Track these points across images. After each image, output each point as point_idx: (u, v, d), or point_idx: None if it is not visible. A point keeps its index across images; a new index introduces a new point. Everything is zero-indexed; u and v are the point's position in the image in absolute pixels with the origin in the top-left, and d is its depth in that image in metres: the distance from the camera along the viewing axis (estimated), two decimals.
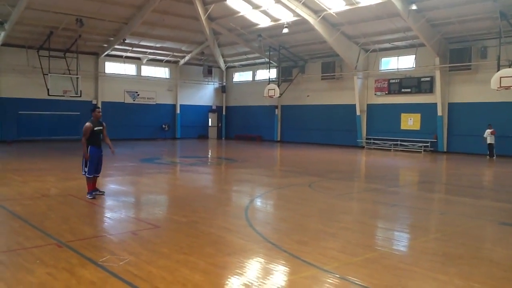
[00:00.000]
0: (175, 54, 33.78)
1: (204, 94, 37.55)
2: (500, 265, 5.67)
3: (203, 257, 5.66)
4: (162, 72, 35.42)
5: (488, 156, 21.56)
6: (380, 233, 7.53)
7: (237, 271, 5.24)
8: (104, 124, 9.78)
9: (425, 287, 4.77)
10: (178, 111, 35.73)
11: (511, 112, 21.93)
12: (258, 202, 10.00)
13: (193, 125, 36.56)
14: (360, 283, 4.85)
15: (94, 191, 9.66)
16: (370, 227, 7.82)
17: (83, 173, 9.58)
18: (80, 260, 5.41)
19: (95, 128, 9.43)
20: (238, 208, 9.29)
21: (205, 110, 37.73)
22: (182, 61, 35.13)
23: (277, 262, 5.55)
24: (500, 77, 19.64)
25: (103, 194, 9.84)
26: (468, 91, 23.69)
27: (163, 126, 34.70)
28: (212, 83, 37.69)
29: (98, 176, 9.86)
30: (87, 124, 9.42)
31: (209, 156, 23.59)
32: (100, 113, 9.69)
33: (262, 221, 8.08)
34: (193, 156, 21.74)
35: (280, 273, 5.27)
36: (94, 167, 9.51)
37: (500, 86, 19.68)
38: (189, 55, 34.13)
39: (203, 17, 27.28)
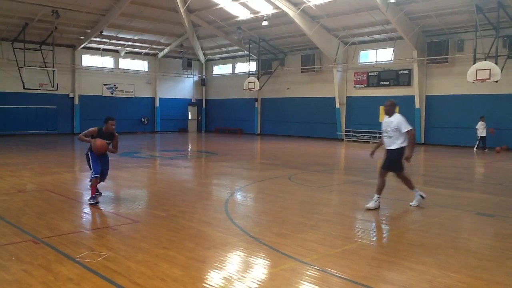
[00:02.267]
0: (153, 46, 33.42)
1: (183, 87, 37.28)
2: (476, 254, 5.78)
3: (183, 251, 5.64)
4: (140, 65, 35.03)
5: (475, 148, 21.79)
6: (359, 224, 7.60)
7: (217, 265, 5.23)
8: (116, 134, 8.89)
9: (403, 277, 4.83)
10: (157, 104, 35.42)
11: (487, 105, 22.34)
12: (238, 196, 9.99)
13: (172, 118, 36.30)
14: (339, 275, 4.89)
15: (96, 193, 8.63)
16: (350, 219, 7.89)
17: (90, 179, 8.66)
18: (57, 257, 5.32)
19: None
20: (218, 201, 9.26)
21: (185, 103, 37.48)
22: (161, 54, 34.79)
23: (257, 255, 5.56)
24: (476, 70, 20.01)
25: (99, 195, 8.77)
26: (445, 84, 24.04)
27: (142, 119, 34.38)
28: (192, 76, 37.43)
29: (103, 180, 8.96)
30: (94, 128, 8.59)
31: (189, 149, 23.46)
32: (113, 126, 8.69)
33: (242, 214, 8.08)
34: (173, 149, 21.59)
35: (260, 266, 5.27)
36: (98, 166, 8.54)
37: (476, 79, 20.05)
38: (168, 47, 33.82)
39: (182, 9, 27.04)
